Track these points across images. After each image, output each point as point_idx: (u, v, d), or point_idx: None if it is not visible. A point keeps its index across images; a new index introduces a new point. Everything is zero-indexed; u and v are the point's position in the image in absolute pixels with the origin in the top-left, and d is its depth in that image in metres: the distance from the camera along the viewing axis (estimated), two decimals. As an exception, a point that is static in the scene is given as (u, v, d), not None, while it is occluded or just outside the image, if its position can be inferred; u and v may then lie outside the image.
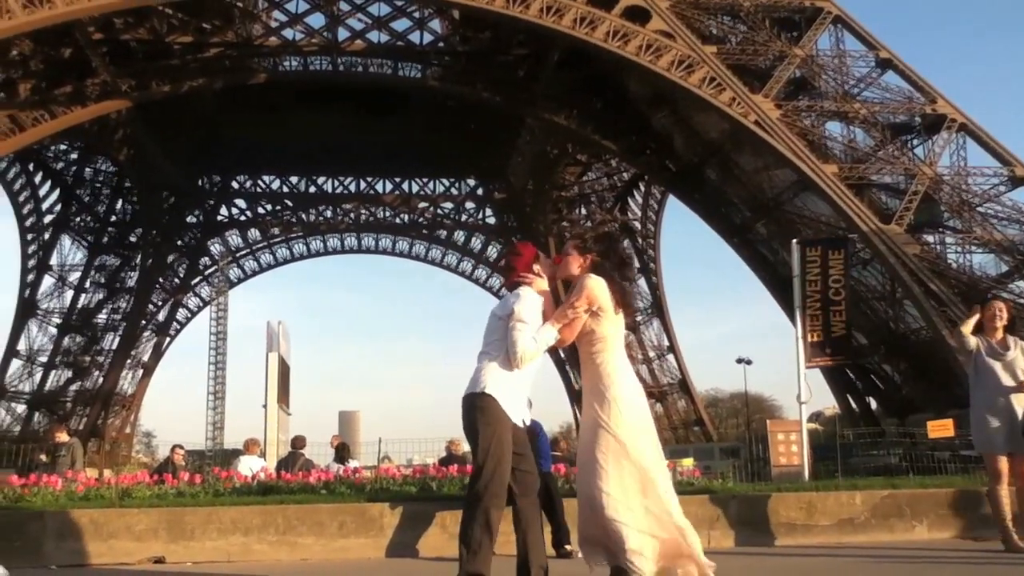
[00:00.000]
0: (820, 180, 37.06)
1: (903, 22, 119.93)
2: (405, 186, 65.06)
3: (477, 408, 4.64)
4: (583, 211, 62.22)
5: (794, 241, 11.71)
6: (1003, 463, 6.46)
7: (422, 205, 65.22)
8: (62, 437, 12.87)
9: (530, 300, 4.79)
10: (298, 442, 13.76)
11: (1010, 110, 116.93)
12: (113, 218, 60.42)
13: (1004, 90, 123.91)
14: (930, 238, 38.24)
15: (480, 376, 4.70)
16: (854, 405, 45.43)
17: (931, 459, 17.42)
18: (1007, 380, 6.54)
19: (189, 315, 64.99)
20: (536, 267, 4.96)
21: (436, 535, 7.05)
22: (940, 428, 20.71)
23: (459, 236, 64.85)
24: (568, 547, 6.76)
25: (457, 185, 65.70)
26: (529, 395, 5.03)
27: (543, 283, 4.94)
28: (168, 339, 64.11)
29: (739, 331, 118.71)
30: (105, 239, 59.87)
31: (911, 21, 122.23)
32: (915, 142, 40.16)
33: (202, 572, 6.42)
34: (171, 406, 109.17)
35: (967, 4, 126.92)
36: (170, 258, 62.39)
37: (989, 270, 37.69)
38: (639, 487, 4.52)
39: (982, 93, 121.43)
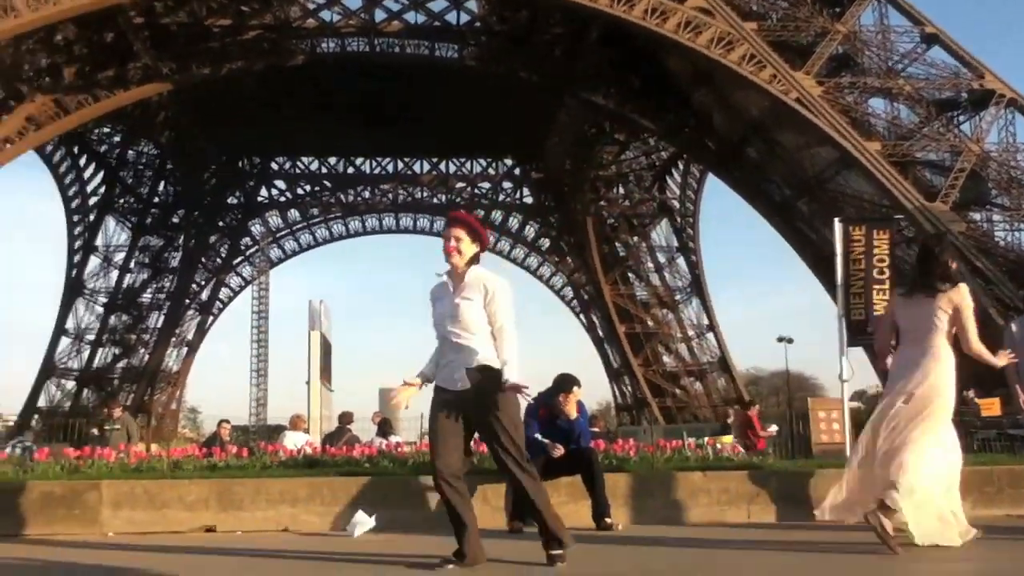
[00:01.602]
0: (863, 157, 36.51)
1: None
2: (442, 166, 65.26)
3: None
4: (621, 191, 61.97)
5: (836, 220, 11.60)
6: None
7: (459, 185, 65.38)
8: (117, 412, 13.23)
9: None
10: (345, 418, 14.03)
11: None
12: (156, 199, 61.48)
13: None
14: (977, 216, 37.57)
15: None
16: (896, 385, 44.88)
17: (974, 438, 17.19)
18: None
19: (231, 294, 66.10)
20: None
21: (478, 507, 7.16)
22: (987, 407, 20.44)
23: (496, 216, 64.95)
24: (608, 520, 6.84)
25: (494, 165, 65.73)
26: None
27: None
28: (211, 318, 65.29)
29: (781, 310, 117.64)
30: (149, 220, 60.96)
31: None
32: (961, 118, 39.37)
33: (250, 541, 6.61)
34: (215, 383, 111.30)
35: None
36: (212, 238, 63.37)
37: (1039, 249, 36.96)
38: None
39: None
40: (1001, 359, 5.92)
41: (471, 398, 4.90)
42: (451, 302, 5.01)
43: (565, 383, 7.37)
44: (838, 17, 39.62)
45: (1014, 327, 6.79)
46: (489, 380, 4.85)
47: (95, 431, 13.55)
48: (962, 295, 5.58)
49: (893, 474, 5.25)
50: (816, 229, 43.92)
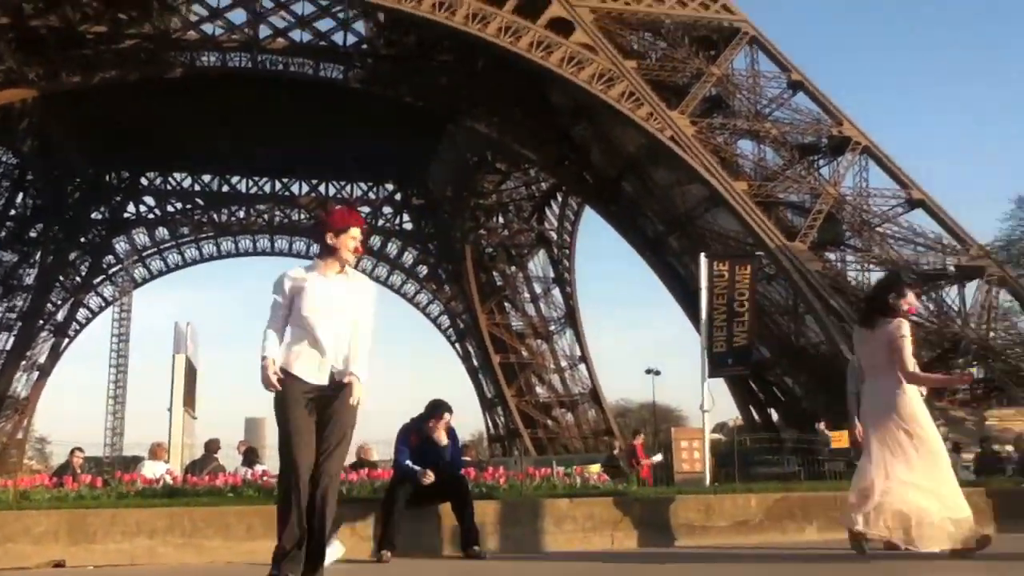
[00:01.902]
0: (730, 196, 38.25)
1: (817, 44, 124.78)
2: (322, 188, 64.35)
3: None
4: (500, 220, 62.64)
5: (702, 255, 12.13)
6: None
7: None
8: None
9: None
10: (212, 446, 13.59)
11: (908, 133, 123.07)
12: (12, 212, 57.79)
13: (903, 114, 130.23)
14: (832, 256, 39.88)
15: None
16: (756, 416, 46.89)
17: (823, 467, 18.20)
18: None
19: (90, 315, 62.80)
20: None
21: (345, 537, 7.08)
22: (837, 439, 21.63)
23: (375, 241, 64.42)
24: (476, 547, 6.88)
25: (375, 189, 65.33)
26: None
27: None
28: (67, 340, 61.73)
29: (650, 343, 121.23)
30: (3, 233, 57.23)
31: (824, 44, 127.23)
32: (821, 162, 41.87)
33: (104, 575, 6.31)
34: (68, 410, 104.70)
35: (878, 29, 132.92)
36: (72, 255, 60.12)
37: (885, 288, 39.48)
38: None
39: (885, 116, 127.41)
40: (958, 377, 6.70)
41: (331, 396, 4.83)
42: (341, 297, 4.95)
43: (436, 409, 7.40)
44: (713, 60, 41.55)
45: (856, 364, 7.24)
46: (351, 383, 4.83)
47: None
48: (895, 326, 6.16)
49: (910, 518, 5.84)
50: (685, 264, 45.71)
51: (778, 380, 45.98)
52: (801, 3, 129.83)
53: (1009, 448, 18.65)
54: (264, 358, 4.83)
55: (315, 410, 4.81)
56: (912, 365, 6.21)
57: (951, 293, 38.87)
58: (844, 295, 37.20)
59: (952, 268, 38.60)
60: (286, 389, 4.79)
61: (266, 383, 4.81)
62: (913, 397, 6.21)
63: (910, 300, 6.43)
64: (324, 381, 4.86)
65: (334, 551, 6.35)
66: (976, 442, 20.65)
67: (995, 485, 9.56)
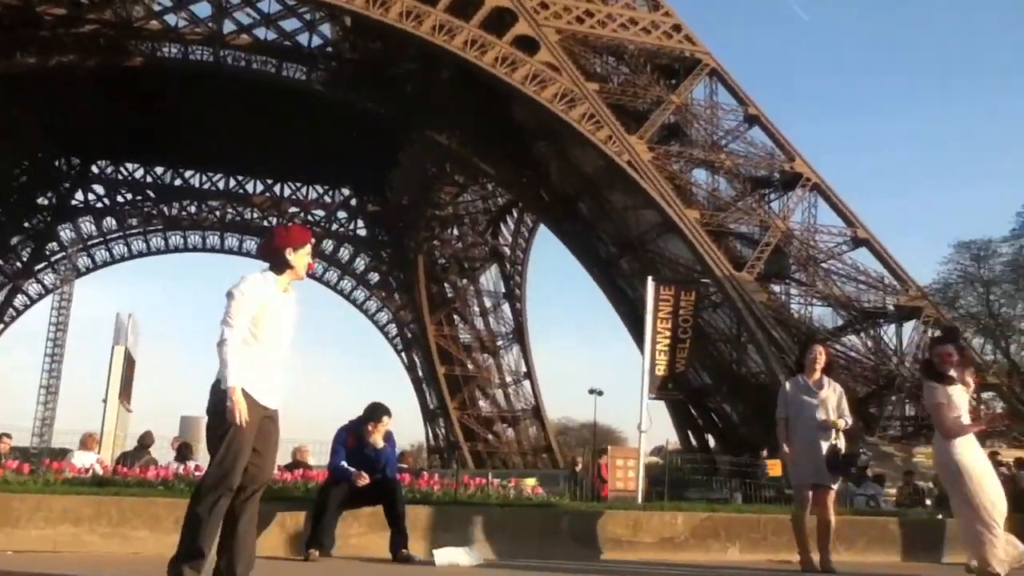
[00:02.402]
0: (682, 224, 38.85)
1: (774, 77, 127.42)
2: (277, 188, 63.79)
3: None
4: (455, 232, 62.70)
5: (649, 278, 12.35)
6: (808, 492, 7.12)
7: (292, 210, 64.03)
8: None
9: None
10: (146, 439, 13.44)
11: (857, 172, 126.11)
12: (-46, 191, 56.36)
13: (854, 152, 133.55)
14: (777, 288, 40.65)
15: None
16: (693, 440, 47.43)
17: (759, 495, 18.54)
18: (818, 417, 7.21)
19: (28, 302, 61.22)
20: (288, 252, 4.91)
21: (276, 535, 7.09)
22: (772, 467, 22.06)
23: (327, 245, 63.97)
24: (405, 551, 6.93)
25: (331, 193, 64.96)
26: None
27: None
28: (2, 326, 60.09)
29: (595, 362, 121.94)
30: (-57, 213, 55.78)
31: (781, 75, 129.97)
32: (772, 196, 42.73)
33: (23, 561, 6.23)
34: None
35: (838, 68, 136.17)
36: (14, 240, 58.64)
37: (826, 322, 40.49)
38: None
39: (838, 153, 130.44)
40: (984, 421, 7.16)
41: (271, 422, 4.82)
42: (290, 316, 4.92)
43: (375, 412, 7.44)
44: (673, 88, 42.24)
45: (788, 386, 7.49)
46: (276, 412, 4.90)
47: None
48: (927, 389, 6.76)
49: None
50: (634, 287, 46.22)
51: (717, 406, 46.65)
52: (758, 39, 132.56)
53: (930, 484, 19.23)
54: (232, 388, 4.56)
55: (256, 434, 4.70)
56: (950, 423, 6.59)
57: (889, 332, 39.94)
58: (786, 327, 37.95)
59: (892, 307, 39.64)
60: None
61: (233, 416, 4.53)
62: (956, 448, 6.57)
63: (946, 352, 6.84)
64: (274, 405, 4.81)
65: (465, 556, 6.41)
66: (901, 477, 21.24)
67: (912, 517, 9.89)
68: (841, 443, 7.30)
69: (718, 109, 43.34)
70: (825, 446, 7.13)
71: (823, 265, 40.69)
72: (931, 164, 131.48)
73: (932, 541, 8.43)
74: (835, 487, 7.35)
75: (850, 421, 7.41)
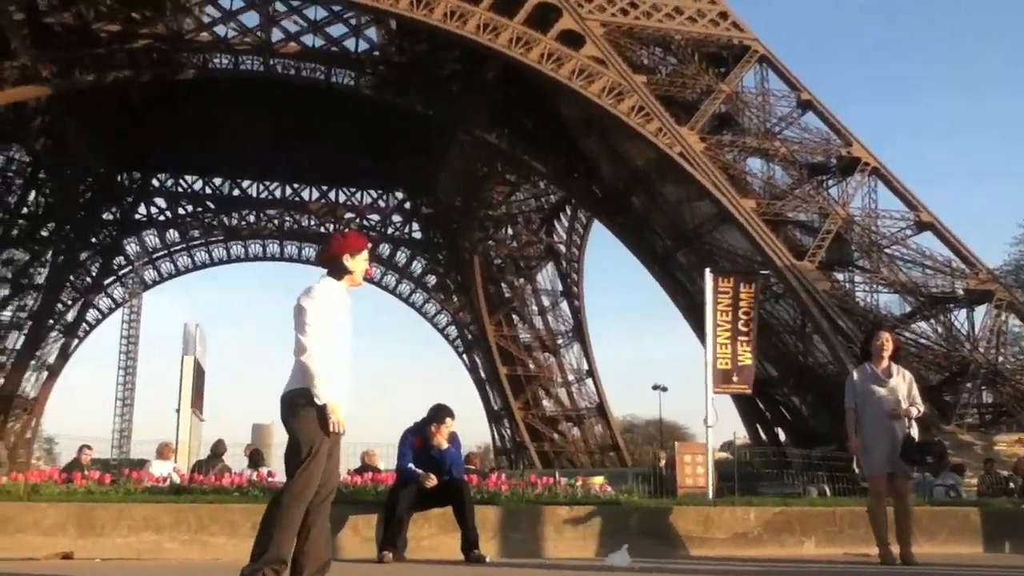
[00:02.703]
0: (738, 214, 38.29)
1: (826, 62, 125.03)
2: (332, 195, 64.61)
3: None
4: (509, 231, 62.72)
5: (707, 270, 12.20)
6: (882, 483, 6.97)
7: (348, 215, 64.81)
8: None
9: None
10: (219, 447, 13.76)
11: (919, 155, 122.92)
12: (24, 210, 58.15)
13: (915, 135, 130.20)
14: (840, 276, 39.80)
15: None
16: (763, 435, 46.77)
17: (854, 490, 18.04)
18: (888, 406, 7.06)
19: (100, 316, 62.92)
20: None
21: (349, 537, 7.20)
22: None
23: (384, 249, 64.61)
24: (477, 551, 6.97)
25: (385, 197, 65.56)
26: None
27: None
28: (76, 341, 61.91)
29: (657, 358, 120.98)
30: (14, 232, 57.49)
31: (834, 61, 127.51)
32: (830, 182, 41.83)
33: (111, 568, 6.42)
34: (76, 411, 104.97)
35: (888, 47, 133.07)
36: (83, 256, 60.38)
37: (894, 309, 39.51)
38: None
39: (895, 136, 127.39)
40: None
41: None
42: (351, 321, 5.07)
43: (438, 413, 7.50)
44: (723, 77, 41.66)
45: (855, 375, 7.35)
46: None
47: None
48: None
49: None
50: (693, 280, 45.71)
51: (785, 399, 45.89)
52: (810, 21, 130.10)
53: (1011, 472, 18.61)
54: (326, 405, 4.69)
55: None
56: None
57: (960, 317, 38.83)
58: (852, 315, 37.14)
59: (961, 292, 38.52)
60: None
61: (336, 428, 4.72)
62: None
63: None
64: (348, 408, 4.92)
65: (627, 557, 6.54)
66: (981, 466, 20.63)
67: (995, 507, 9.61)
68: (915, 432, 7.14)
69: (770, 96, 42.60)
70: (898, 435, 6.98)
71: (887, 251, 39.73)
72: (994, 150, 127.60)
73: (1017, 531, 8.18)
74: (912, 476, 7.20)
75: (922, 409, 7.25)
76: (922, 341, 38.29)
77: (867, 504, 7.27)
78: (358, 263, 5.08)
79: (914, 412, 7.10)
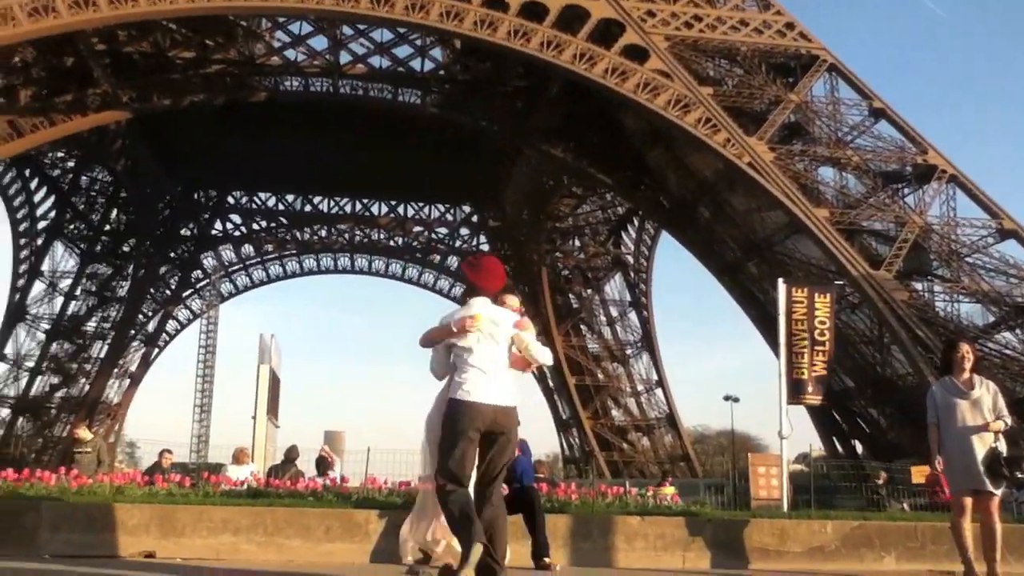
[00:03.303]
0: (811, 224, 37.52)
1: (896, 69, 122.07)
2: (400, 209, 65.51)
3: None
4: (577, 243, 62.66)
5: (780, 280, 12.00)
6: (966, 499, 6.72)
7: (417, 229, 65.62)
8: (83, 434, 12.74)
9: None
10: (292, 452, 14.01)
11: (998, 161, 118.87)
12: (107, 227, 60.55)
13: (993, 141, 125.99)
14: (919, 285, 38.63)
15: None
16: (839, 447, 45.57)
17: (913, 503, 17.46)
18: (972, 420, 6.80)
19: (179, 327, 65.04)
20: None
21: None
22: (918, 474, 20.89)
23: (452, 261, 65.15)
24: (547, 560, 6.95)
25: (452, 211, 66.18)
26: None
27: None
28: (156, 350, 64.09)
29: (729, 368, 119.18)
30: (98, 247, 59.95)
31: (904, 69, 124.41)
32: (906, 191, 40.68)
33: (191, 568, 6.60)
34: (156, 417, 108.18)
35: (959, 53, 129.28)
36: (162, 269, 62.53)
37: (976, 320, 38.12)
38: None
39: (972, 143, 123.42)
40: None
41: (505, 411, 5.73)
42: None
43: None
44: (791, 87, 40.97)
45: (936, 390, 7.11)
46: None
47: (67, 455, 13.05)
48: None
49: None
50: (764, 290, 44.92)
51: (862, 411, 44.67)
52: (878, 29, 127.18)
53: None
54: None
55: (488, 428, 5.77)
56: None
57: (1046, 327, 37.24)
58: (932, 326, 35.99)
59: (1048, 302, 37.01)
60: None
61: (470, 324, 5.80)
62: None
63: None
64: (503, 402, 5.84)
65: None
66: None
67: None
68: (1002, 446, 6.87)
69: (840, 105, 41.69)
70: (983, 450, 6.73)
71: (967, 259, 38.39)
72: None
73: None
74: (998, 493, 6.92)
75: (1009, 421, 6.97)
76: (1007, 352, 36.86)
77: (950, 520, 7.03)
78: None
79: (1000, 425, 6.84)
